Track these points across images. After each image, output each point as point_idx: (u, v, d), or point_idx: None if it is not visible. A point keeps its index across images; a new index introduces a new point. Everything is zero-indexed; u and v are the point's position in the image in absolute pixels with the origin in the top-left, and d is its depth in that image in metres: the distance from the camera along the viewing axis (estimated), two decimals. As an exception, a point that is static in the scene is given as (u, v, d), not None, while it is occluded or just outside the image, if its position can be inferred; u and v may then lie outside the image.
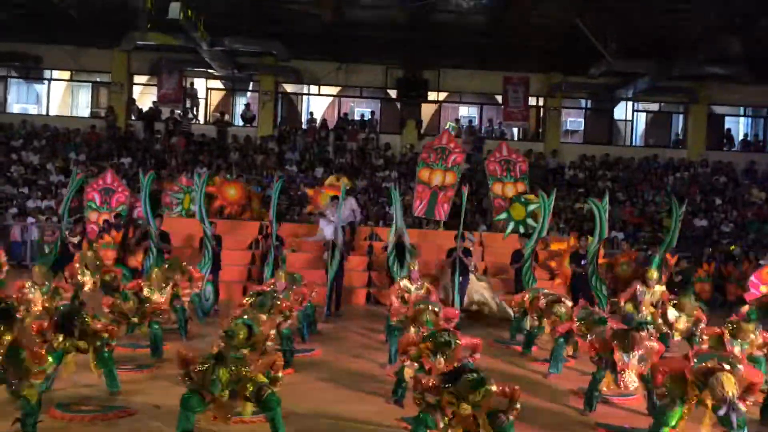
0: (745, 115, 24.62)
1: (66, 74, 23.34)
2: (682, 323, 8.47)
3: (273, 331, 6.99)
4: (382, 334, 9.67)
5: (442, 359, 5.88)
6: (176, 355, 5.29)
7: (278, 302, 7.70)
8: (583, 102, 23.97)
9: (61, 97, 23.75)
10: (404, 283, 9.09)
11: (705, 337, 7.21)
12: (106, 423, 5.78)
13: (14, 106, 23.50)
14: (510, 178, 14.37)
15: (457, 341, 6.05)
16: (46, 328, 6.18)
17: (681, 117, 23.97)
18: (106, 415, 5.87)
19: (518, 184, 14.21)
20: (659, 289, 9.29)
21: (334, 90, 23.74)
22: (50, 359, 5.54)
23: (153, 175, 11.70)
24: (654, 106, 24.40)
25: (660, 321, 8.68)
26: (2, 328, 4.89)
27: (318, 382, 7.34)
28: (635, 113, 24.22)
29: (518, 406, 4.79)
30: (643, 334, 6.13)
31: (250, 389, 5.14)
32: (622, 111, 24.05)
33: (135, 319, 7.73)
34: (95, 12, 18.15)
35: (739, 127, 24.52)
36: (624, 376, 6.13)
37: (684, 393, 5.12)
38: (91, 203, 14.04)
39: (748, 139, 23.83)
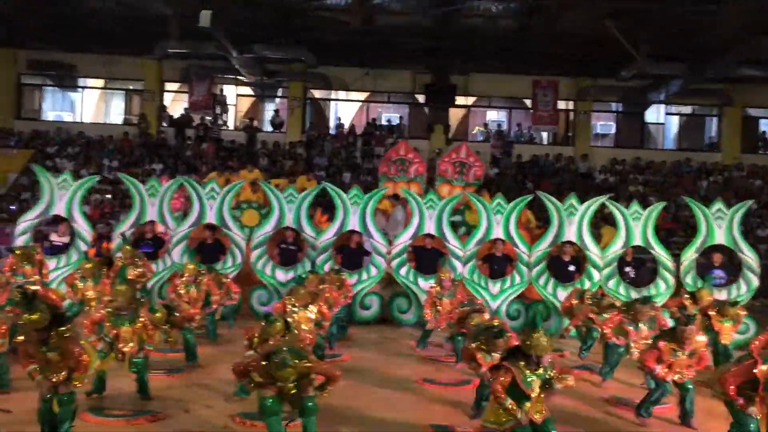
0: (780, 117, 24.09)
1: (99, 82, 23.79)
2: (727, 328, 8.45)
3: (309, 335, 6.96)
4: (412, 340, 9.67)
5: (498, 356, 5.84)
6: (234, 369, 5.29)
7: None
8: (613, 105, 23.66)
9: (94, 104, 24.20)
10: (437, 290, 9.02)
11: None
12: (137, 427, 5.85)
13: (49, 114, 24.02)
14: (461, 182, 13.86)
15: (509, 333, 6.04)
16: (100, 319, 6.33)
17: (714, 120, 23.53)
18: (137, 419, 5.95)
19: (468, 189, 13.46)
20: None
21: (362, 96, 23.82)
22: (94, 361, 5.42)
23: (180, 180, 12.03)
24: (687, 109, 23.99)
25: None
26: (59, 332, 4.96)
27: (346, 389, 7.31)
28: (667, 116, 23.86)
29: (571, 380, 4.99)
30: (692, 327, 6.13)
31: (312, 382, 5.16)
32: (653, 114, 23.69)
33: (166, 327, 7.71)
34: (128, 21, 18.46)
35: (775, 129, 23.99)
36: (671, 373, 6.20)
37: (755, 396, 5.14)
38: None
39: (785, 141, 23.31)
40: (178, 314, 7.73)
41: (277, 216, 11.39)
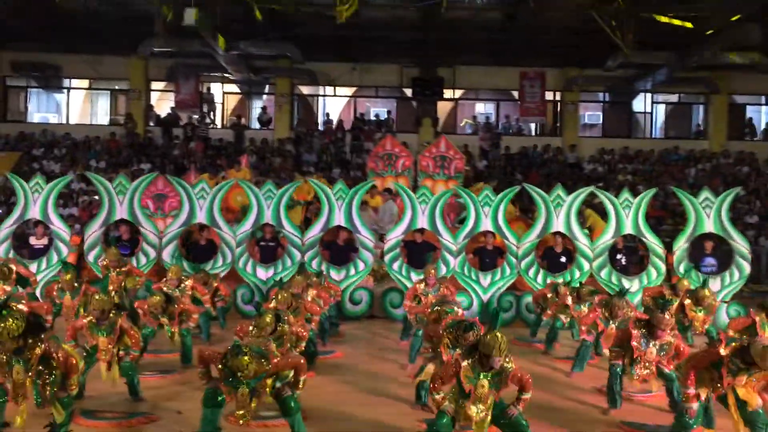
0: (766, 104, 24.19)
1: (85, 83, 23.61)
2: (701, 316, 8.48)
3: (303, 331, 6.90)
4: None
5: (460, 351, 5.86)
6: (197, 354, 5.30)
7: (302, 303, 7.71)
8: (601, 95, 23.72)
9: (80, 105, 24.03)
10: (421, 286, 9.00)
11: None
12: (130, 429, 5.83)
13: (35, 116, 23.82)
14: (443, 176, 13.94)
15: (480, 329, 6.05)
16: (81, 326, 6.26)
17: (701, 108, 23.64)
18: (129, 421, 5.93)
19: (450, 182, 13.58)
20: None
21: (349, 91, 23.76)
22: (80, 362, 5.38)
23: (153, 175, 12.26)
24: (673, 98, 24.09)
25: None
26: (34, 341, 4.90)
27: (339, 385, 7.34)
28: (654, 105, 23.94)
29: (527, 396, 4.92)
30: (667, 317, 6.06)
31: (270, 386, 5.12)
32: (641, 103, 23.77)
33: (164, 320, 7.58)
34: (112, 20, 18.32)
35: (761, 116, 24.11)
36: (639, 366, 6.14)
37: (717, 381, 5.10)
38: (145, 210, 14.14)
39: (770, 127, 23.47)
40: (176, 306, 7.68)
41: (256, 213, 11.36)
